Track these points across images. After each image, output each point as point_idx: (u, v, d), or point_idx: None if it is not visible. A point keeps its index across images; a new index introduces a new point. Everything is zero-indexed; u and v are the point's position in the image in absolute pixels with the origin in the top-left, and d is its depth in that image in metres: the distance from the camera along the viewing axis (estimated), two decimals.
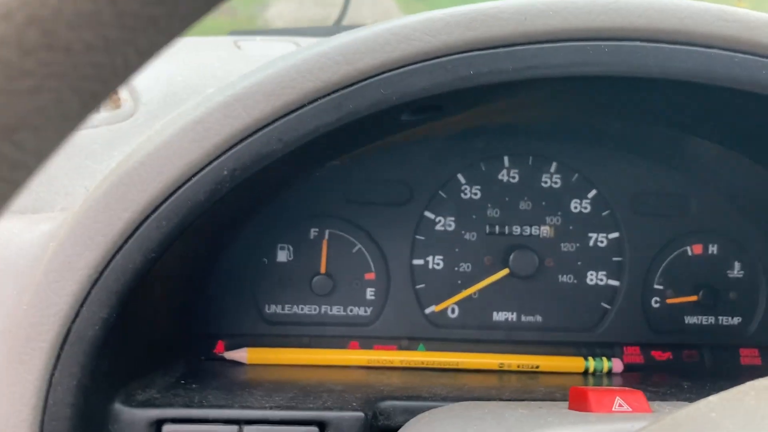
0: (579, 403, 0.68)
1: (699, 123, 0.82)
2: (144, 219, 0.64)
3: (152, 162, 0.63)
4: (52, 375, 0.65)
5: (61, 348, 0.65)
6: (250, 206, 0.92)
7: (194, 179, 0.64)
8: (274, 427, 0.73)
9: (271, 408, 0.74)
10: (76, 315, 0.64)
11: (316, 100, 0.63)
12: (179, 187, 0.64)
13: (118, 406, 0.72)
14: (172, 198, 0.64)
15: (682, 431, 0.45)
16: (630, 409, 0.67)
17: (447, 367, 1.02)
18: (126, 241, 0.64)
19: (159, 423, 0.72)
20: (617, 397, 0.68)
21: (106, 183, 0.65)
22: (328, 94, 0.63)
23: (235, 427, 0.72)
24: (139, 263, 0.65)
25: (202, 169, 0.64)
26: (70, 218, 0.67)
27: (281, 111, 0.63)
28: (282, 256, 1.06)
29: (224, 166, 0.64)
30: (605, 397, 0.67)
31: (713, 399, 0.46)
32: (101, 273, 0.64)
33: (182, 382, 0.84)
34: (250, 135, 0.63)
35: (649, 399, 0.68)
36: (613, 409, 0.67)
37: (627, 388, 0.70)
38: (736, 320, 1.12)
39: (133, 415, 0.72)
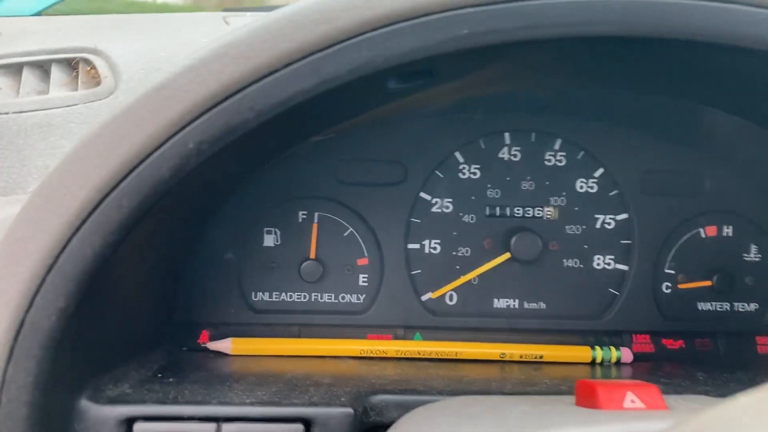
0: (587, 399, 0.62)
1: (716, 91, 0.75)
2: (102, 198, 0.57)
3: (109, 134, 0.57)
4: (4, 371, 0.59)
5: (14, 341, 0.58)
6: (228, 185, 0.85)
7: (156, 153, 0.57)
8: (255, 424, 0.66)
9: (252, 404, 0.68)
10: (30, 305, 0.58)
11: (291, 63, 0.56)
12: (140, 163, 0.57)
13: (85, 403, 0.66)
14: (133, 175, 0.57)
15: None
16: (643, 406, 0.60)
17: (445, 357, 0.96)
18: (83, 223, 0.58)
19: (129, 421, 0.66)
20: (629, 392, 0.61)
21: (61, 159, 0.59)
22: (305, 57, 0.56)
23: (212, 425, 0.66)
24: (98, 247, 0.58)
25: (165, 141, 0.57)
26: (25, 199, 0.61)
27: (252, 76, 0.56)
28: (269, 240, 1.00)
29: (189, 138, 0.57)
30: (615, 392, 0.61)
31: (744, 400, 0.39)
32: (56, 258, 0.58)
33: (159, 375, 0.78)
34: (217, 103, 0.57)
35: (663, 392, 0.62)
36: (625, 405, 0.60)
37: (639, 382, 0.64)
38: (753, 306, 1.06)
39: (101, 412, 0.66)
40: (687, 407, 0.62)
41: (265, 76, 0.57)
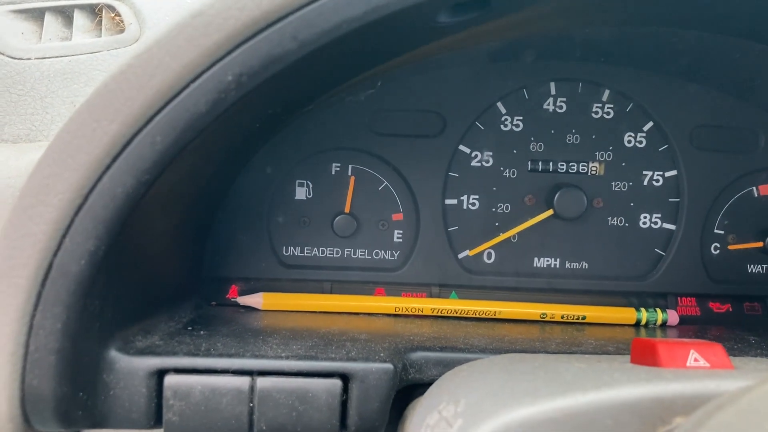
0: (645, 357, 0.58)
1: None
2: (135, 134, 0.54)
3: (142, 65, 0.53)
4: (32, 317, 0.56)
5: (42, 285, 0.55)
6: (263, 130, 0.81)
7: (193, 86, 0.53)
8: (291, 378, 0.63)
9: (288, 357, 0.64)
10: (58, 247, 0.55)
11: None
12: (175, 96, 0.53)
13: (114, 354, 0.63)
14: (167, 108, 0.53)
15: None
16: (708, 365, 0.56)
17: (483, 316, 0.92)
18: (114, 161, 0.54)
19: (160, 373, 0.63)
20: (692, 351, 0.57)
21: (91, 93, 0.55)
22: None
23: (246, 378, 0.63)
24: (130, 187, 0.55)
25: (202, 73, 0.53)
26: (53, 137, 0.57)
27: (297, 2, 0.52)
28: (300, 193, 0.96)
29: (228, 69, 0.53)
30: (678, 349, 0.57)
31: None
32: (86, 198, 0.54)
33: (189, 328, 0.75)
34: (258, 32, 0.52)
35: None
36: (688, 364, 0.56)
37: (701, 341, 0.60)
38: None
39: (131, 363, 0.63)
40: (754, 367, 0.58)
41: (309, 3, 0.52)
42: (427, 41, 0.66)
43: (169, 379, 0.62)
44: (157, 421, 0.63)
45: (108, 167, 0.54)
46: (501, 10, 0.60)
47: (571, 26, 0.80)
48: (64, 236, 0.55)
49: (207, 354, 0.65)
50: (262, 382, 0.63)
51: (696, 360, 0.57)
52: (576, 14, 0.69)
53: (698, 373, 0.54)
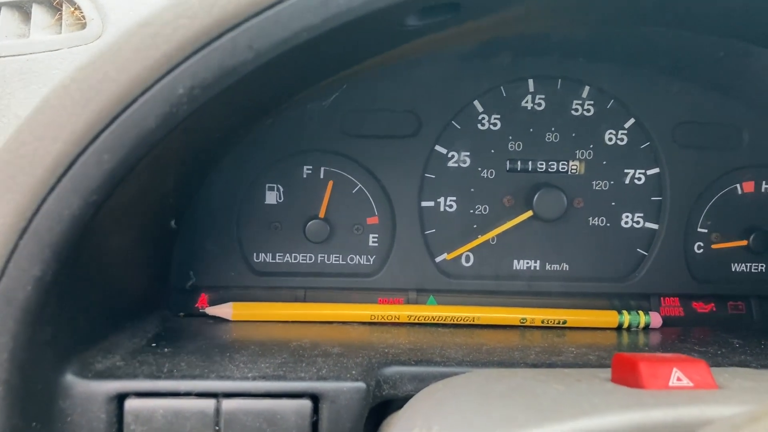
0: (626, 376, 0.56)
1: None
2: (80, 152, 0.50)
3: (86, 78, 0.49)
4: None
5: None
6: (226, 138, 0.77)
7: (141, 100, 0.50)
8: (258, 399, 0.60)
9: (254, 378, 0.61)
10: (2, 273, 0.51)
11: None
12: (122, 111, 0.50)
13: (71, 378, 0.60)
14: (115, 125, 0.50)
15: None
16: (691, 384, 0.54)
17: (462, 322, 0.90)
18: (59, 181, 0.50)
19: (120, 397, 0.60)
20: (675, 369, 0.55)
21: (32, 108, 0.51)
22: None
23: (211, 401, 0.60)
24: (77, 208, 0.51)
25: (151, 86, 0.49)
26: None
27: (251, 9, 0.48)
28: (271, 197, 0.93)
29: (179, 82, 0.49)
30: (660, 368, 0.54)
31: None
32: (29, 221, 0.51)
33: (153, 345, 0.72)
34: (210, 42, 0.49)
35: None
36: (671, 384, 0.54)
37: (684, 356, 0.57)
38: None
39: (89, 387, 0.60)
40: (739, 386, 0.55)
41: (265, 10, 0.49)
42: (394, 45, 0.62)
43: (130, 404, 0.59)
44: None
45: (52, 188, 0.50)
46: (471, 13, 0.57)
47: (546, 28, 0.77)
48: (7, 262, 0.51)
49: (169, 375, 0.62)
50: (227, 404, 0.60)
51: (679, 379, 0.55)
52: (550, 16, 0.66)
53: (681, 396, 0.51)
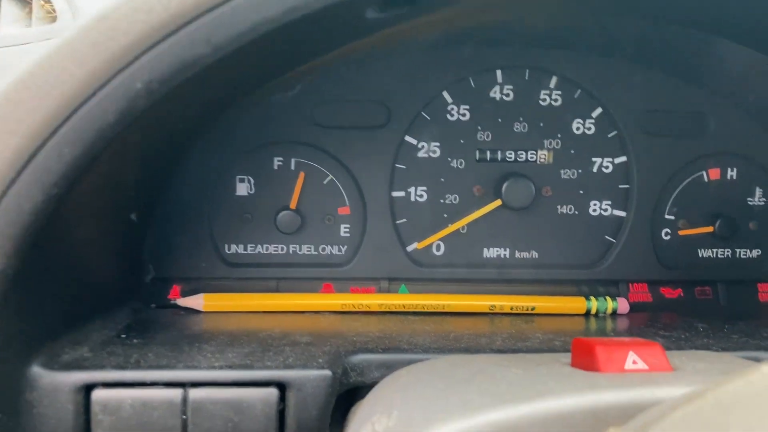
0: (584, 360, 0.57)
1: (729, 19, 0.67)
2: (39, 146, 0.50)
3: (44, 72, 0.49)
4: None
5: None
6: (191, 130, 0.78)
7: (100, 94, 0.50)
8: (225, 388, 0.61)
9: (221, 367, 0.62)
10: None
11: None
12: (81, 105, 0.50)
13: (37, 370, 0.60)
14: (73, 119, 0.50)
15: (734, 410, 0.34)
16: (646, 367, 0.55)
17: (431, 310, 0.91)
18: (18, 175, 0.51)
19: (88, 388, 0.60)
20: (630, 352, 0.56)
21: None
22: None
23: (179, 390, 0.60)
24: (39, 202, 0.51)
25: (109, 81, 0.50)
26: None
27: (209, 2, 0.49)
28: (242, 188, 0.93)
29: (137, 77, 0.50)
30: (616, 352, 0.56)
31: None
32: None
33: (122, 336, 0.72)
34: (168, 35, 0.49)
35: (664, 348, 0.57)
36: (626, 367, 0.55)
37: (640, 340, 0.58)
38: (756, 253, 1.01)
39: (56, 379, 0.60)
40: (693, 368, 0.57)
41: (222, 3, 0.49)
42: (356, 38, 0.63)
43: (97, 394, 0.60)
44: None
45: (12, 182, 0.51)
46: (428, 5, 0.57)
47: (506, 17, 0.78)
48: None
49: (137, 366, 0.62)
50: (194, 393, 0.60)
51: (635, 362, 0.56)
52: (506, 6, 0.67)
53: (635, 378, 0.53)
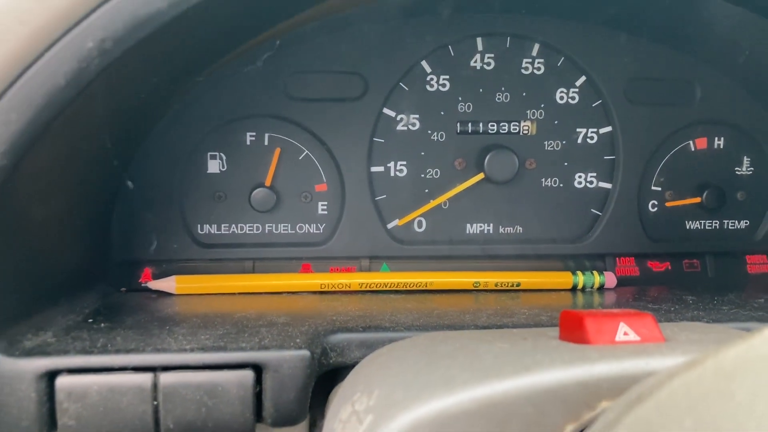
0: (573, 332, 0.54)
1: None
2: None
3: None
4: None
5: None
6: (157, 101, 0.74)
7: (48, 55, 0.46)
8: (198, 372, 0.58)
9: (193, 350, 0.59)
10: None
11: None
12: (28, 67, 0.46)
13: None
14: (20, 82, 0.46)
15: (738, 376, 0.31)
16: (638, 338, 0.53)
17: (414, 288, 0.88)
18: None
19: (51, 375, 0.57)
20: (621, 323, 0.53)
21: None
22: None
23: (148, 375, 0.57)
24: None
25: (58, 40, 0.46)
26: None
27: None
28: (213, 166, 0.90)
29: (88, 35, 0.46)
30: (606, 323, 0.53)
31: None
32: None
33: (90, 320, 0.69)
34: None
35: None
36: (617, 339, 0.53)
37: (631, 311, 0.56)
38: (744, 224, 0.99)
39: (17, 365, 0.57)
40: (686, 338, 0.54)
41: None
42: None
43: (62, 381, 0.56)
44: (53, 426, 0.57)
45: None
46: None
47: None
48: None
49: (104, 350, 0.59)
50: (165, 378, 0.57)
51: (626, 334, 0.53)
52: None
53: (626, 349, 0.50)
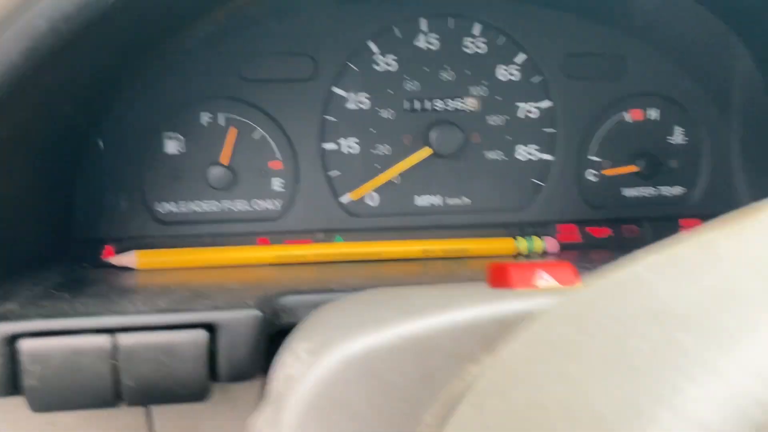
0: (498, 280, 0.59)
1: None
2: None
3: None
4: None
5: None
6: (113, 80, 0.77)
7: (4, 35, 0.50)
8: (154, 333, 0.62)
9: (149, 312, 0.63)
10: None
11: None
12: None
13: None
14: None
15: (611, 297, 0.36)
16: (557, 284, 0.58)
17: (367, 258, 0.92)
18: None
19: (12, 339, 0.60)
20: (539, 270, 0.58)
21: None
22: None
23: (107, 337, 0.61)
24: None
25: (9, 17, 0.50)
26: None
27: None
28: (171, 146, 0.93)
29: (41, 13, 0.50)
30: (527, 271, 0.58)
31: (645, 257, 0.36)
32: None
33: (53, 291, 0.72)
34: None
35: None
36: (537, 283, 0.57)
37: (553, 261, 0.61)
38: (678, 190, 1.04)
39: None
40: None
41: None
42: None
43: (24, 344, 0.60)
44: (17, 388, 0.61)
45: None
46: None
47: None
48: None
49: (64, 315, 0.63)
50: (123, 339, 0.61)
51: (545, 280, 0.58)
52: None
53: (544, 291, 0.55)
